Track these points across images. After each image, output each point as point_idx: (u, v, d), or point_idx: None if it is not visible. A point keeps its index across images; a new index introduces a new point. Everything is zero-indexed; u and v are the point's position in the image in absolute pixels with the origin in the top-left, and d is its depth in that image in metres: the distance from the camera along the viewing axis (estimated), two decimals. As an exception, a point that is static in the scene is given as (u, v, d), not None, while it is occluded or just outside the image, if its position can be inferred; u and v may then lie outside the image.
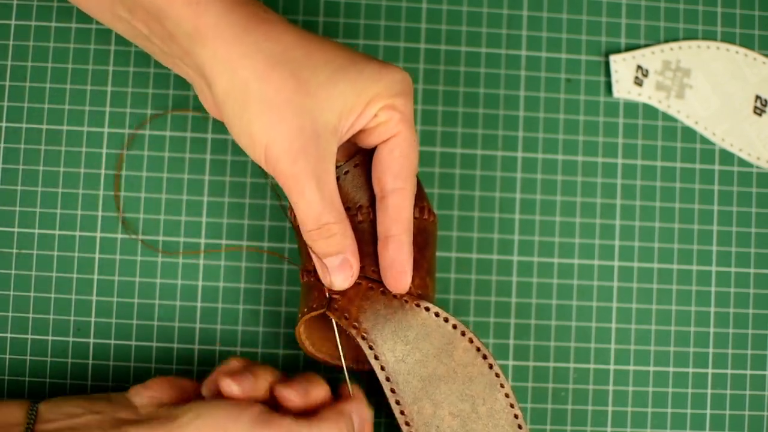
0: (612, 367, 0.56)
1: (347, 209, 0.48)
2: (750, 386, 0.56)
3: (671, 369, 0.56)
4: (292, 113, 0.44)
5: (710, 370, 0.56)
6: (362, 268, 0.47)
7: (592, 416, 0.55)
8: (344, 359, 0.51)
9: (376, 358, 0.47)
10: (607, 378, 0.55)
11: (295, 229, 0.49)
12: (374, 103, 0.46)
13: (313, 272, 0.48)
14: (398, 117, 0.47)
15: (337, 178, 0.48)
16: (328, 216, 0.45)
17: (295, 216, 0.49)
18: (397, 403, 0.47)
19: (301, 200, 0.45)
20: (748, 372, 0.56)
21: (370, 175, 0.48)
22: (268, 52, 0.44)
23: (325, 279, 0.47)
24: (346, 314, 0.47)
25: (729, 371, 0.56)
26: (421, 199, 0.49)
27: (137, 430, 0.45)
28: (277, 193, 0.55)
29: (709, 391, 0.56)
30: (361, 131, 0.47)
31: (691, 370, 0.56)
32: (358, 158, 0.48)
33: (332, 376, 0.53)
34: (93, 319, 0.54)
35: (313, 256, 0.47)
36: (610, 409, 0.55)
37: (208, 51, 0.44)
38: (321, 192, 0.45)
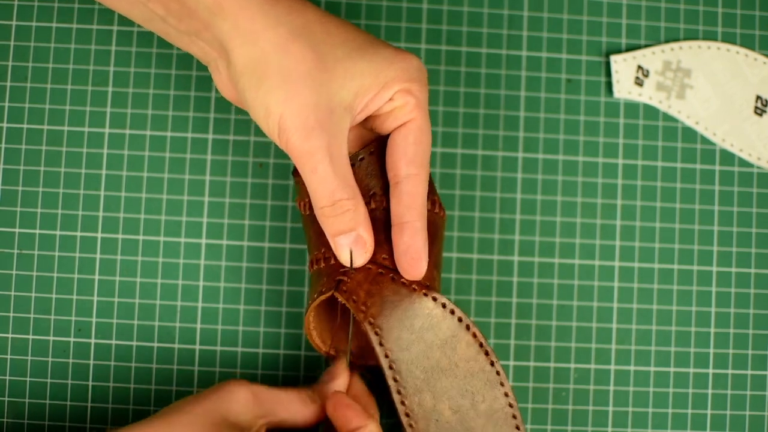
0: (613, 367, 0.56)
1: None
2: (751, 386, 0.56)
3: (672, 369, 0.56)
4: (309, 87, 0.44)
5: (711, 371, 0.56)
6: (373, 255, 0.47)
7: (593, 416, 0.55)
8: (348, 353, 0.51)
9: (381, 344, 0.46)
10: (608, 378, 0.55)
11: (304, 218, 0.49)
12: (390, 86, 0.46)
13: (323, 260, 0.48)
14: (414, 102, 0.47)
15: (352, 165, 0.48)
16: (341, 192, 0.45)
17: (304, 204, 0.49)
18: (399, 392, 0.46)
19: (314, 177, 0.45)
20: (749, 372, 0.56)
21: (384, 163, 0.48)
22: (289, 26, 0.45)
23: (340, 256, 0.47)
24: (354, 297, 0.46)
25: (730, 371, 0.56)
26: (432, 193, 0.49)
27: None
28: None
29: (709, 391, 0.56)
30: (376, 116, 0.47)
31: (691, 370, 0.56)
32: (373, 146, 0.48)
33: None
34: (94, 320, 0.54)
35: (327, 235, 0.47)
36: (610, 409, 0.55)
37: (229, 23, 0.44)
38: (334, 168, 0.45)
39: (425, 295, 0.47)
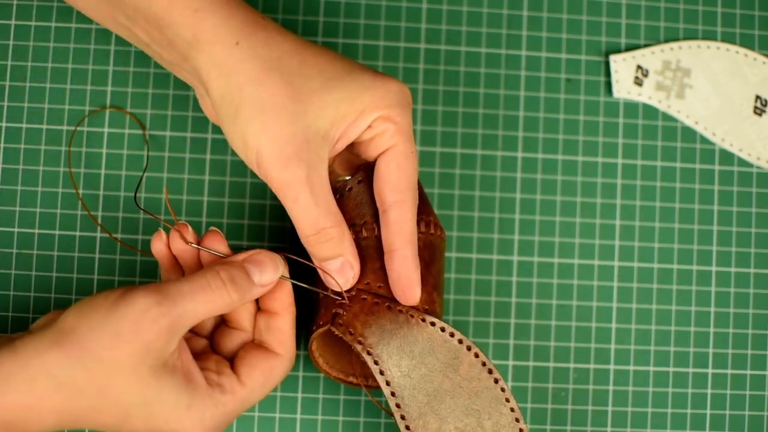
0: (612, 367, 0.56)
1: (352, 226, 0.48)
2: (750, 386, 0.56)
3: (671, 369, 0.56)
4: (284, 119, 0.44)
5: (710, 370, 0.56)
6: (368, 284, 0.47)
7: (592, 416, 0.55)
8: (354, 376, 0.51)
9: (381, 373, 0.47)
10: (607, 378, 0.55)
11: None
12: (368, 113, 0.46)
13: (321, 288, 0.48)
14: (393, 128, 0.47)
15: (341, 195, 0.48)
16: (324, 220, 0.45)
17: None
18: (402, 418, 0.47)
19: (295, 207, 0.45)
20: (748, 372, 0.56)
21: (373, 191, 0.48)
22: (263, 58, 0.45)
23: (327, 282, 0.47)
24: (350, 329, 0.47)
25: (729, 371, 0.56)
26: (427, 214, 0.49)
27: (24, 341, 0.42)
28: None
29: (709, 391, 0.56)
30: (359, 143, 0.47)
31: (691, 370, 0.56)
32: (361, 174, 0.48)
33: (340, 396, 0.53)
34: (93, 319, 0.54)
35: (314, 261, 0.47)
36: (610, 409, 0.55)
37: (206, 56, 0.45)
38: (315, 197, 0.45)
39: (423, 320, 0.47)
